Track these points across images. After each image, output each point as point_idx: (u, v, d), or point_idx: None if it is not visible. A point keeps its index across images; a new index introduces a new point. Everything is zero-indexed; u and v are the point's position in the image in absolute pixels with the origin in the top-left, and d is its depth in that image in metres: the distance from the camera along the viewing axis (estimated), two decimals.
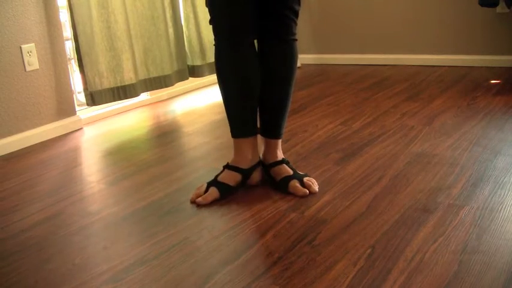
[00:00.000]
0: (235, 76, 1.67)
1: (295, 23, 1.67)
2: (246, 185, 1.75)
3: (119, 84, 2.81)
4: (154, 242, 1.45)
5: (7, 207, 1.77)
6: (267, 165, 1.77)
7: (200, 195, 1.68)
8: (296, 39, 1.70)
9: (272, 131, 1.76)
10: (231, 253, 1.36)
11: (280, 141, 1.78)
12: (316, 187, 1.70)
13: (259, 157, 1.79)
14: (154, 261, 1.35)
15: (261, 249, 1.37)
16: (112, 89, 2.78)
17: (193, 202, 1.67)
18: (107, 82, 2.75)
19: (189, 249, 1.40)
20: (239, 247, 1.39)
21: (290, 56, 1.70)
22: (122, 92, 2.83)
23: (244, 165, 1.73)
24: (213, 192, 1.67)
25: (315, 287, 1.19)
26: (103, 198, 1.79)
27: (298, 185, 1.69)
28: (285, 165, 1.75)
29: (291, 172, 1.73)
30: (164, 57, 3.05)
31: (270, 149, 1.77)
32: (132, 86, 2.85)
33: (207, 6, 1.66)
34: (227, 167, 1.74)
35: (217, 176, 1.73)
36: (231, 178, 1.71)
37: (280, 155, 1.77)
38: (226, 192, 1.69)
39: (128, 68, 2.83)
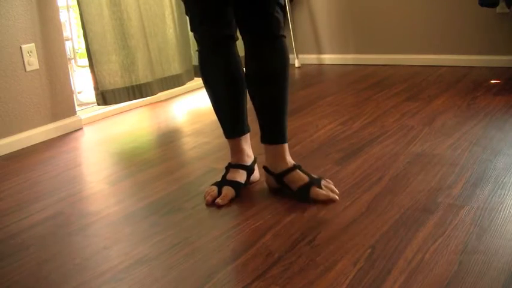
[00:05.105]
0: (222, 78, 1.68)
1: (281, 19, 1.59)
2: (249, 183, 1.76)
3: (134, 83, 2.77)
4: (155, 242, 1.45)
5: (7, 207, 1.77)
6: (277, 174, 1.66)
7: (215, 197, 1.66)
8: (284, 36, 1.62)
9: (275, 137, 1.66)
10: (231, 253, 1.36)
11: (286, 145, 1.67)
12: (336, 190, 1.64)
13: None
14: (154, 261, 1.35)
15: (261, 249, 1.37)
16: (127, 88, 2.75)
17: (209, 205, 1.66)
18: (121, 81, 2.72)
19: (189, 249, 1.40)
20: (239, 247, 1.39)
21: (280, 51, 1.61)
22: (138, 90, 2.79)
23: (247, 161, 1.75)
24: (229, 191, 1.67)
25: (315, 287, 1.19)
26: (103, 198, 1.79)
27: (320, 190, 1.61)
28: (298, 171, 1.64)
29: (307, 179, 1.63)
30: (175, 56, 3.03)
31: (277, 156, 1.66)
32: (148, 84, 2.81)
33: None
34: (231, 166, 1.74)
35: (224, 176, 1.73)
36: (239, 176, 1.72)
37: (290, 161, 1.66)
38: (239, 189, 1.70)
39: (144, 67, 2.79)
